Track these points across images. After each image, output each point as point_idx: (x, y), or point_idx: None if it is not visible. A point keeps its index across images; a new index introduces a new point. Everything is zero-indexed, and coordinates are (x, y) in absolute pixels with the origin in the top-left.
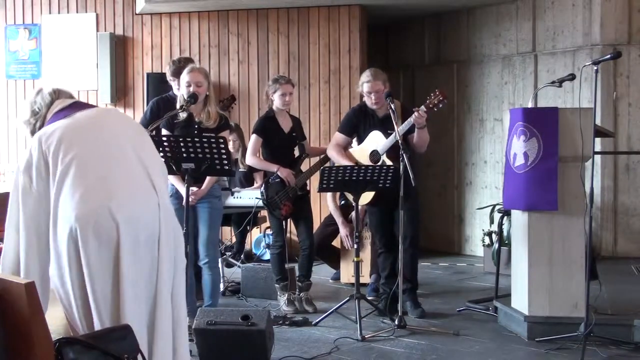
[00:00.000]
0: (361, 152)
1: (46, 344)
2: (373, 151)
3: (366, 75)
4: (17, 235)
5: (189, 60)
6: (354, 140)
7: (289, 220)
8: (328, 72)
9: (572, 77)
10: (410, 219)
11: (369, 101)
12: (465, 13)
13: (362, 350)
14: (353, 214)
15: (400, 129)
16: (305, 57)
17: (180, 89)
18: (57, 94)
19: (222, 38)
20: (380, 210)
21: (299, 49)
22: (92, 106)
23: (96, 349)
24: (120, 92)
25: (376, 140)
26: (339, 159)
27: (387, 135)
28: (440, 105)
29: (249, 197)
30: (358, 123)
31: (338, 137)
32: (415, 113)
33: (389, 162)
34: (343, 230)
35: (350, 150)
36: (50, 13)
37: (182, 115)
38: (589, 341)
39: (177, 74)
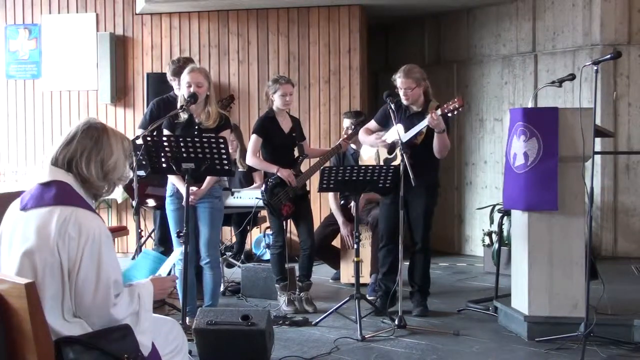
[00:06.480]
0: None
1: (46, 344)
2: (391, 142)
3: (399, 71)
4: None
5: (189, 60)
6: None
7: (289, 220)
8: (328, 72)
9: (572, 77)
10: (422, 221)
11: (401, 96)
12: (465, 13)
13: (362, 350)
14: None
15: (416, 127)
16: (305, 57)
17: (181, 89)
18: None
19: (222, 38)
20: (393, 202)
21: (299, 49)
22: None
23: (96, 349)
24: (120, 92)
25: (395, 134)
26: (363, 139)
27: (407, 130)
28: (456, 112)
29: (249, 197)
30: (390, 114)
31: (370, 123)
32: (429, 116)
33: (399, 158)
34: (344, 230)
35: None
36: (50, 13)
37: (183, 115)
38: (589, 341)
39: (177, 73)
